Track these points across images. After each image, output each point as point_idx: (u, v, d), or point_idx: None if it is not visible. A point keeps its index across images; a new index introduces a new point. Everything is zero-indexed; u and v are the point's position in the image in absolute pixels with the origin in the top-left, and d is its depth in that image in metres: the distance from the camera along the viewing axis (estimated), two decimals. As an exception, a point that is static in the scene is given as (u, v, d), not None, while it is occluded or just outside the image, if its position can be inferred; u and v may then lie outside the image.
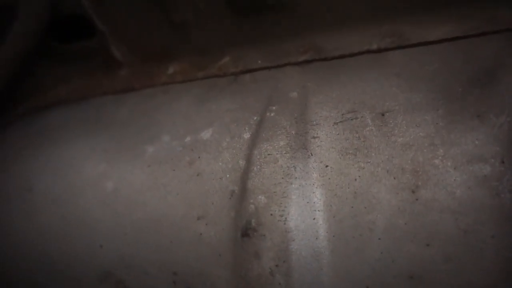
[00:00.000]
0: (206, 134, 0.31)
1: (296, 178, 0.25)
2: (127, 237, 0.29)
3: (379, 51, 0.31)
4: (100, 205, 0.31)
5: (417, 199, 0.23)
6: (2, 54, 0.38)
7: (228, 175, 0.28)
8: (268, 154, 0.27)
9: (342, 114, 0.27)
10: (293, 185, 0.25)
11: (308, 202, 0.24)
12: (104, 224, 0.30)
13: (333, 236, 0.23)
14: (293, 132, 0.27)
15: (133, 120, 0.35)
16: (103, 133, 0.34)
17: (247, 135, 0.29)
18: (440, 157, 0.24)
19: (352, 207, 0.24)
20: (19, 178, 0.34)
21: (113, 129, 0.34)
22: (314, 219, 0.24)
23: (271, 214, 0.24)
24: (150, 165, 0.31)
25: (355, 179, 0.24)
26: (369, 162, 0.25)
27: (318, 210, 0.24)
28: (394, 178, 0.24)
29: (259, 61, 0.35)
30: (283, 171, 0.25)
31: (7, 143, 0.36)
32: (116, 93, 0.39)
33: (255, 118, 0.30)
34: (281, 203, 0.25)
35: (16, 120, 0.39)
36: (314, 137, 0.27)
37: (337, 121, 0.27)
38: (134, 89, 0.39)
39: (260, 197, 0.25)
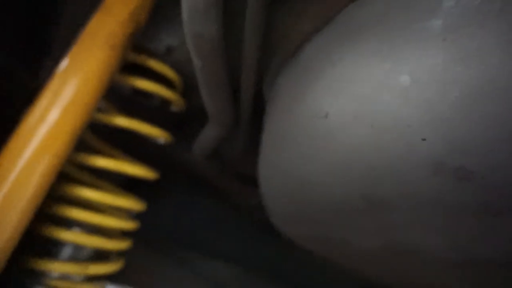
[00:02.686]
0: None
1: None
2: (452, 121, 0.27)
3: None
4: (402, 102, 0.29)
5: None
6: None
7: None
8: None
9: None
10: None
11: None
12: (416, 118, 0.29)
13: None
14: None
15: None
16: (373, 29, 0.31)
17: None
18: None
19: None
20: (313, 103, 0.36)
21: (379, 22, 0.31)
22: None
23: None
24: (445, 38, 0.27)
25: None
26: None
27: None
28: None
29: None
30: None
31: (300, 65, 0.38)
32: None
33: None
34: None
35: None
36: None
37: None
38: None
39: None
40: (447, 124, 0.27)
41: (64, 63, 0.50)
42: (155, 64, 0.62)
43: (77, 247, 0.64)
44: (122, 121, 0.60)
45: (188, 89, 0.68)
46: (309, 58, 0.39)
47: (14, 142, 0.48)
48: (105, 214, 0.61)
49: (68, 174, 0.59)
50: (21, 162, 0.47)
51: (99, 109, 0.59)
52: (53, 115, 0.48)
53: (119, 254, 0.70)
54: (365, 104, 0.31)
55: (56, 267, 0.59)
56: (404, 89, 0.29)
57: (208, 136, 0.68)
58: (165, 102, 0.69)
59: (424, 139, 0.28)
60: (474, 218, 0.29)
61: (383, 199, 0.34)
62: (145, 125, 0.61)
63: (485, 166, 0.26)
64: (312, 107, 0.36)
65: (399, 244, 0.36)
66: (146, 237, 0.90)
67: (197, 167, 0.82)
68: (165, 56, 0.64)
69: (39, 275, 0.59)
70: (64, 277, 0.60)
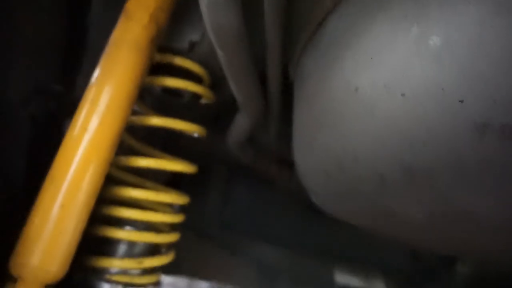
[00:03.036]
0: None
1: None
2: (490, 79, 0.25)
3: None
4: (433, 66, 0.28)
5: None
6: None
7: None
8: None
9: None
10: None
11: None
12: (450, 80, 0.28)
13: None
14: None
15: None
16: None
17: None
18: None
19: None
20: (341, 79, 0.35)
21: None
22: None
23: None
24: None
25: None
26: None
27: None
28: None
29: None
30: None
31: (323, 43, 0.38)
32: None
33: None
34: None
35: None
36: None
37: None
38: None
39: None
40: (484, 82, 0.26)
41: (96, 73, 0.52)
42: (180, 61, 0.63)
43: (131, 244, 0.68)
44: (157, 121, 0.62)
45: (217, 81, 0.69)
46: (332, 35, 0.39)
47: (62, 154, 0.51)
48: (152, 211, 0.64)
49: (114, 177, 0.62)
50: (70, 173, 0.50)
51: (134, 112, 0.61)
52: (93, 123, 0.50)
53: (170, 246, 0.74)
54: (394, 73, 0.30)
55: (114, 264, 0.63)
56: (434, 51, 0.28)
57: (240, 124, 0.69)
58: (195, 97, 0.70)
59: (461, 101, 0.27)
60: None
61: (424, 168, 0.33)
62: (179, 121, 0.63)
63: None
64: (341, 82, 0.35)
65: (448, 211, 0.35)
66: (195, 228, 0.93)
67: (234, 155, 0.83)
68: (189, 52, 0.65)
69: (101, 272, 0.63)
70: (123, 272, 0.65)
